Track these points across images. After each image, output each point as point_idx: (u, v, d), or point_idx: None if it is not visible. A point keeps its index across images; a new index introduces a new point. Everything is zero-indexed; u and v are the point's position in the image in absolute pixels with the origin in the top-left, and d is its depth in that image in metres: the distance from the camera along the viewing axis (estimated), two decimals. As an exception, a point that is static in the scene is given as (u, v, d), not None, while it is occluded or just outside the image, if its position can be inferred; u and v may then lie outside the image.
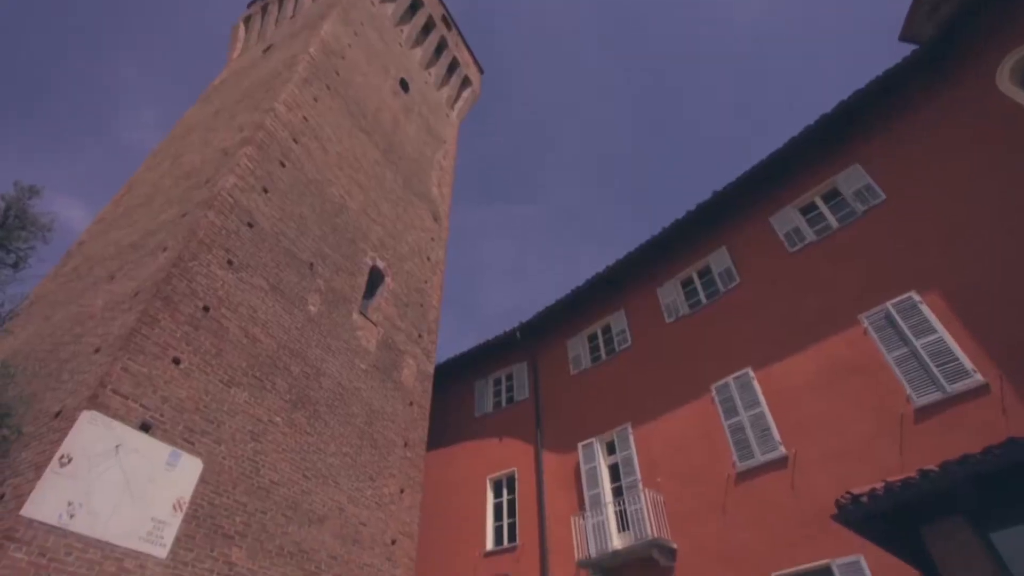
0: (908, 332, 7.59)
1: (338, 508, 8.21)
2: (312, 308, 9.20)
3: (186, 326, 7.04)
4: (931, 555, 4.65)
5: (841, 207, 9.61)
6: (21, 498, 5.13)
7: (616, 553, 8.78)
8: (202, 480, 6.54)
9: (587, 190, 64.09)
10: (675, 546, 8.51)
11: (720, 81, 52.81)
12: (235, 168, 8.66)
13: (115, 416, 5.95)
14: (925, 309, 7.60)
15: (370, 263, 11.15)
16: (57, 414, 6.06)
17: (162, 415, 6.40)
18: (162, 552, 5.90)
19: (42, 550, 5.03)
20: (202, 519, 6.41)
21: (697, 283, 11.13)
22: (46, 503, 5.17)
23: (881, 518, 4.91)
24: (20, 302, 8.23)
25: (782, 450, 8.04)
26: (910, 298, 7.80)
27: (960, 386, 6.87)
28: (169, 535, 6.02)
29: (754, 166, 10.54)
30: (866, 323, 8.09)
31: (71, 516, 5.30)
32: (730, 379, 9.24)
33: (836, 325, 8.43)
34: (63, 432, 5.60)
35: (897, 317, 7.79)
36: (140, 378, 6.31)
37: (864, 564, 6.62)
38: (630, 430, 10.20)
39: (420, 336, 11.88)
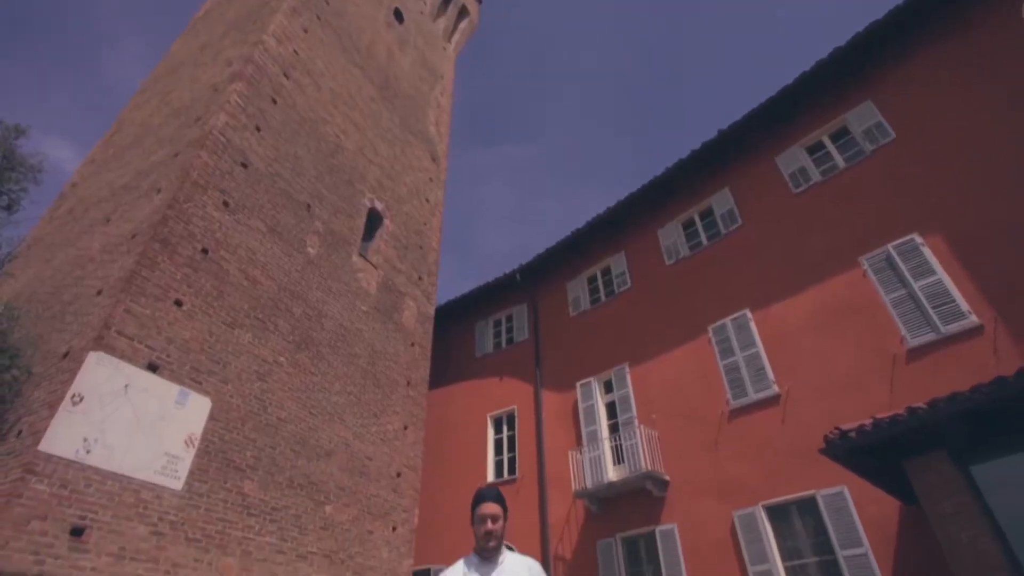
0: (907, 274, 7.61)
1: (344, 443, 8.52)
2: (311, 250, 9.17)
3: (186, 268, 7.04)
4: (912, 486, 4.86)
5: (849, 146, 9.38)
6: (37, 435, 5.31)
7: (611, 484, 9.21)
8: (211, 417, 6.75)
9: (589, 129, 62.39)
10: (667, 478, 8.91)
11: (728, 15, 50.16)
12: (225, 106, 8.38)
13: (122, 357, 6.06)
14: (926, 251, 7.58)
15: (368, 205, 11.02)
16: (65, 355, 6.16)
17: (168, 356, 6.52)
18: (177, 484, 6.17)
19: (63, 482, 5.26)
20: (214, 454, 6.67)
21: (699, 224, 11.04)
22: (62, 439, 5.36)
23: (867, 452, 5.11)
24: (18, 245, 8.20)
25: (775, 388, 8.25)
26: (912, 240, 7.77)
27: (954, 327, 6.96)
28: (183, 469, 6.28)
29: (762, 103, 10.20)
30: (866, 265, 8.09)
31: (87, 451, 5.51)
32: (727, 320, 9.35)
33: (836, 267, 8.44)
34: (72, 372, 5.72)
35: (897, 259, 7.79)
36: (144, 320, 6.38)
37: (847, 494, 6.95)
38: (627, 370, 10.43)
39: (420, 278, 11.91)
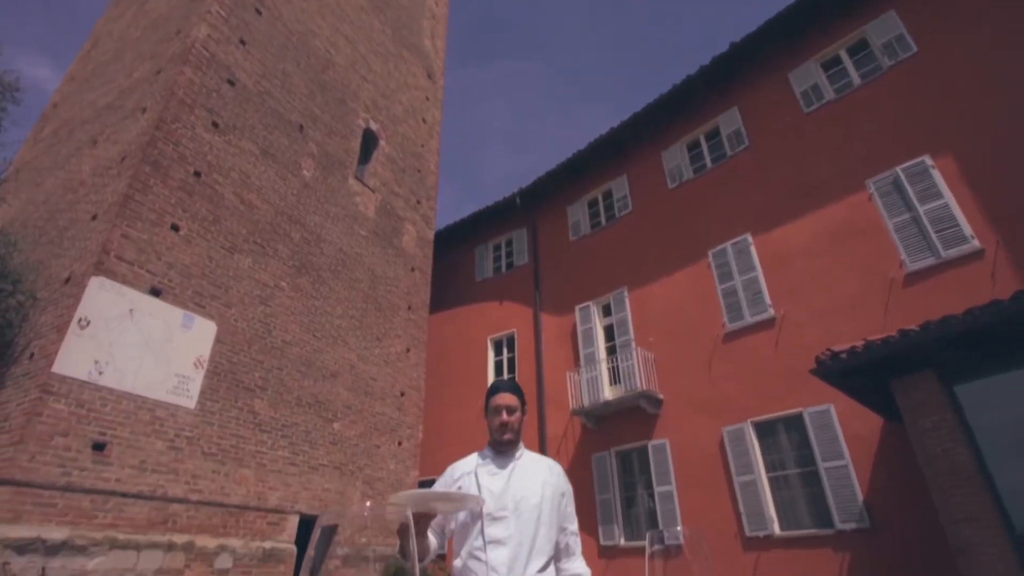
0: (913, 197, 7.49)
1: (349, 365, 8.78)
2: (306, 173, 8.97)
3: (179, 192, 6.92)
4: (897, 404, 5.05)
5: (867, 61, 8.90)
6: (49, 357, 5.45)
7: (607, 403, 9.59)
8: (218, 340, 6.91)
9: (593, 43, 58.98)
10: (661, 397, 9.26)
11: (750, -94, 45.81)
12: (206, 16, 7.86)
13: (124, 282, 6.10)
14: (936, 174, 7.41)
15: (363, 125, 10.64)
16: (67, 280, 6.20)
17: (170, 281, 6.56)
18: (190, 403, 6.42)
19: (79, 402, 5.47)
20: (223, 375, 6.88)
21: (704, 146, 10.72)
22: (73, 361, 5.51)
23: (856, 372, 5.27)
24: (5, 168, 8.00)
25: (771, 312, 8.37)
26: (922, 162, 7.57)
27: (955, 252, 6.94)
28: (194, 389, 6.51)
29: (780, 12, 9.56)
30: (872, 188, 7.94)
31: (100, 373, 5.68)
32: (728, 245, 9.31)
33: (841, 190, 8.29)
34: (76, 297, 5.78)
35: (905, 182, 7.63)
36: (142, 244, 6.36)
37: (833, 411, 7.25)
38: (626, 293, 10.54)
39: (419, 202, 11.74)
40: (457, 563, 1.60)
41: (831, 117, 8.91)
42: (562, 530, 1.68)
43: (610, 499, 9.27)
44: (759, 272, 8.77)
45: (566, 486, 1.76)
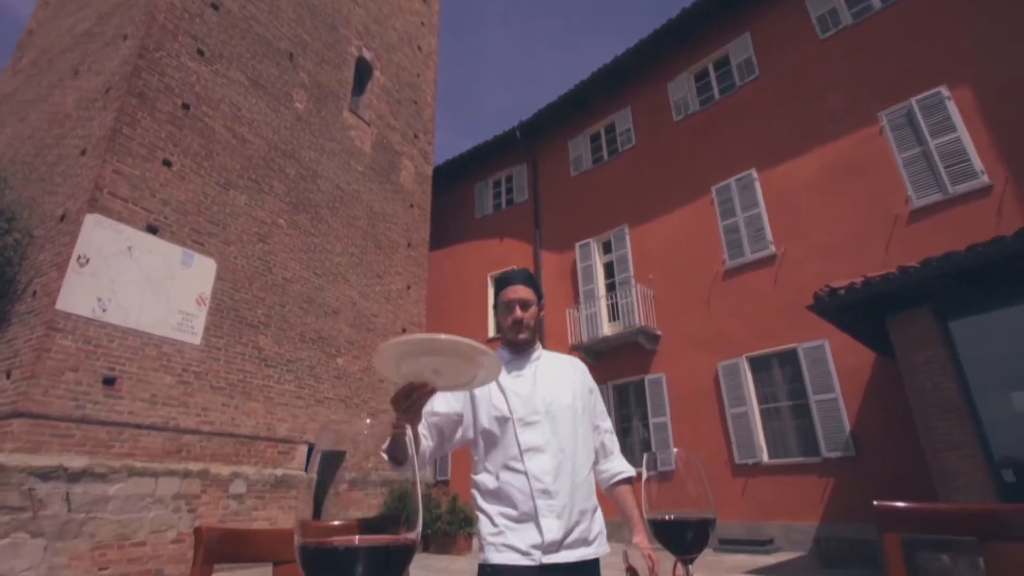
0: (926, 131, 7.26)
1: (350, 302, 8.85)
2: (299, 105, 8.66)
3: (169, 126, 6.71)
4: (891, 340, 5.13)
5: (889, -18, 8.36)
6: (52, 295, 5.48)
7: (606, 339, 9.75)
8: (219, 278, 6.92)
9: (598, -39, 55.20)
10: (659, 332, 9.40)
11: None
12: (183, -69, 7.30)
13: (120, 219, 6.03)
14: (951, 106, 7.14)
15: (355, 53, 10.16)
16: (62, 217, 6.13)
17: (166, 218, 6.49)
18: (195, 339, 6.53)
19: (86, 338, 5.56)
20: (226, 312, 6.95)
21: (712, 76, 10.27)
22: (76, 298, 5.54)
23: (853, 308, 5.31)
24: (-14, 100, 7.71)
25: (772, 249, 8.34)
26: (938, 93, 7.28)
27: (962, 187, 6.82)
28: (199, 325, 6.60)
29: (798, -74, 8.88)
30: (884, 121, 7.69)
31: (103, 310, 5.73)
32: (732, 181, 9.14)
33: (853, 123, 8.03)
34: (73, 235, 5.73)
35: (919, 114, 7.37)
36: (134, 180, 6.24)
37: (827, 347, 7.38)
38: (627, 230, 10.46)
39: (416, 136, 11.42)
40: (484, 479, 1.37)
41: (848, 44, 8.48)
42: (595, 428, 1.52)
43: (606, 430, 9.63)
44: (762, 209, 8.66)
45: (592, 382, 1.58)
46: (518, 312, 1.48)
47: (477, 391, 1.39)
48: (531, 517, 1.29)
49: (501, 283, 1.54)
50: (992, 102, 6.87)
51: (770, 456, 7.71)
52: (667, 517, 0.60)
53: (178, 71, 6.92)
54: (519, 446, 1.34)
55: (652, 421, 9.00)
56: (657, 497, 0.63)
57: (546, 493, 1.30)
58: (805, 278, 7.75)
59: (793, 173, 8.49)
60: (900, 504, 1.01)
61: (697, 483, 0.62)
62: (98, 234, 5.81)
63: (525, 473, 1.32)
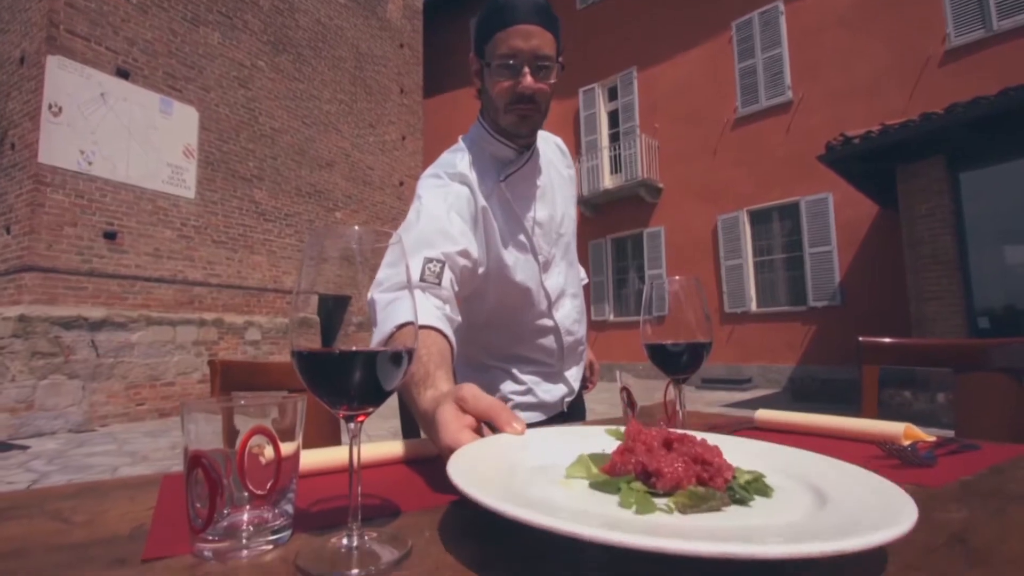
0: (983, -50, 6.37)
1: (344, 154, 8.55)
2: (264, -79, 7.49)
3: (118, -53, 5.87)
4: (897, 190, 5.05)
5: None
6: (32, 147, 5.26)
7: (607, 191, 9.61)
8: (203, 128, 6.60)
9: None
10: (661, 185, 9.23)
11: None
12: None
13: (85, 61, 5.57)
14: (1019, -83, 6.17)
15: None
16: (21, 60, 5.64)
17: (135, 59, 5.98)
18: (189, 193, 6.42)
19: (78, 192, 5.46)
20: (217, 164, 6.74)
21: None
22: (58, 151, 5.33)
23: (864, 158, 5.14)
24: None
25: (789, 94, 7.83)
26: (1007, -100, 6.25)
27: (1007, 23, 6.17)
28: (190, 179, 6.44)
29: None
30: (937, -62, 6.71)
31: (89, 163, 5.54)
32: (755, 14, 8.26)
33: (900, -59, 7.02)
34: (38, 80, 5.33)
35: (979, -71, 6.41)
36: (93, 16, 5.63)
37: (831, 200, 7.30)
38: (635, 74, 9.73)
39: (402, -39, 10.07)
40: (493, 338, 1.01)
41: None
42: None
43: (603, 281, 9.93)
44: (784, 48, 7.95)
45: (573, 167, 1.15)
46: (528, 79, 0.85)
47: (493, 222, 0.92)
48: (557, 373, 1.03)
49: (492, 19, 0.91)
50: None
51: (758, 306, 8.05)
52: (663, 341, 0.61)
53: None
54: (547, 296, 0.98)
55: (648, 273, 9.24)
56: (653, 335, 0.63)
57: (573, 345, 1.03)
58: (819, 126, 7.39)
59: (824, 5, 7.64)
60: (884, 339, 1.05)
61: (696, 310, 0.61)
62: (65, 78, 5.40)
63: (555, 328, 1.00)
